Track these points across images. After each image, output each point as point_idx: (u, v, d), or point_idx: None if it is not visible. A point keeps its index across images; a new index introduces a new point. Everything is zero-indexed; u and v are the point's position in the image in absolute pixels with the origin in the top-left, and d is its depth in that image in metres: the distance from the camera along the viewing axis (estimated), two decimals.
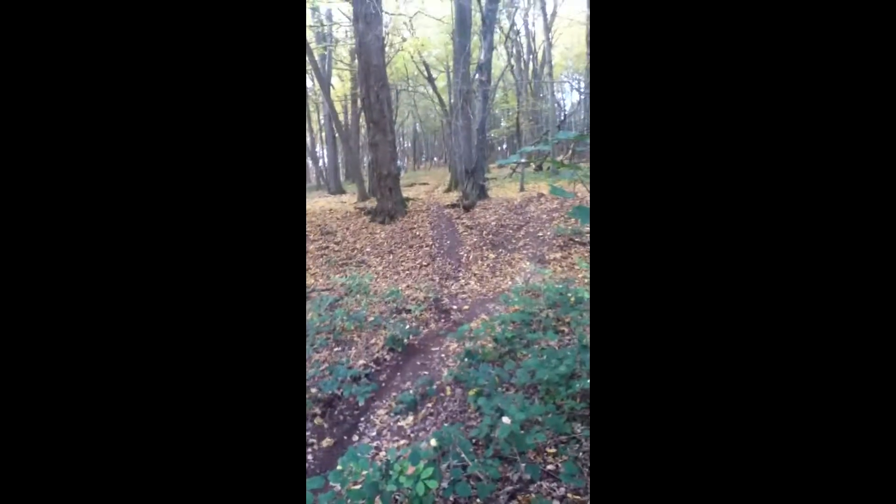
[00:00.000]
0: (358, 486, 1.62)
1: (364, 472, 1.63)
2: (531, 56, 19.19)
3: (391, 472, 1.57)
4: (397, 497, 1.72)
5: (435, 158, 32.37)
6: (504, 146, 26.24)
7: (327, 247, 7.30)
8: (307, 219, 8.85)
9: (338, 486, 1.68)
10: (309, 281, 5.88)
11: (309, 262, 6.71)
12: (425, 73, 15.51)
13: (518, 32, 17.72)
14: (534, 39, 19.22)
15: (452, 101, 11.83)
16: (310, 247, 7.31)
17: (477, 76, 9.02)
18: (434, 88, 15.70)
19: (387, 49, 11.09)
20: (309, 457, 2.48)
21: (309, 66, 11.66)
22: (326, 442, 2.60)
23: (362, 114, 11.60)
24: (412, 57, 14.84)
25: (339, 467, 1.67)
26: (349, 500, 1.53)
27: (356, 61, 10.48)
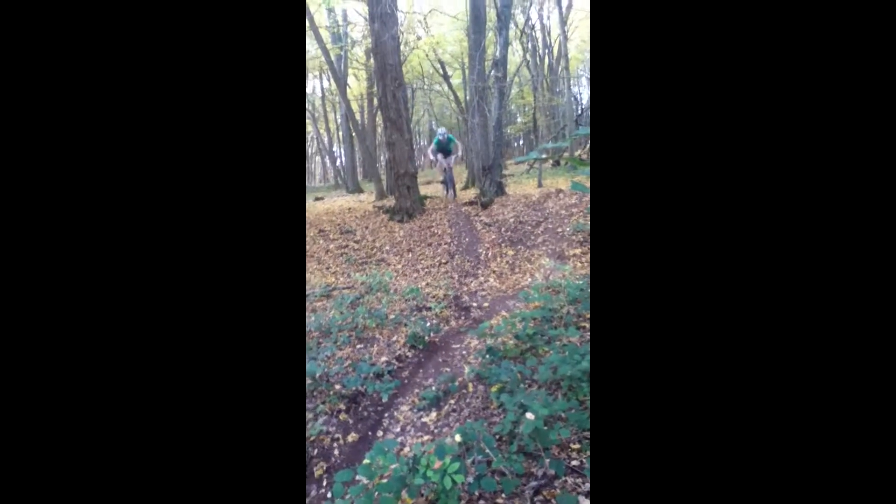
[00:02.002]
0: (385, 480, 1.66)
1: (391, 467, 1.67)
2: (547, 50, 19.02)
3: (418, 467, 1.60)
4: (423, 491, 1.75)
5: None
6: (521, 142, 26.08)
7: (347, 245, 7.37)
8: (327, 218, 8.95)
9: (365, 480, 1.72)
10: (329, 279, 5.96)
11: (329, 261, 6.79)
12: (440, 71, 15.51)
13: (533, 27, 17.58)
14: (549, 33, 19.04)
15: (468, 98, 11.80)
16: (329, 245, 7.40)
17: (492, 72, 8.98)
18: (450, 86, 15.70)
19: (402, 48, 11.13)
20: (335, 451, 2.53)
21: (325, 67, 11.72)
22: (351, 437, 2.64)
23: (378, 113, 11.66)
24: (427, 55, 14.85)
25: (366, 461, 1.71)
26: (377, 493, 1.56)
27: (372, 61, 10.54)
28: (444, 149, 8.72)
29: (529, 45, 17.73)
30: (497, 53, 8.85)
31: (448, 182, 9.09)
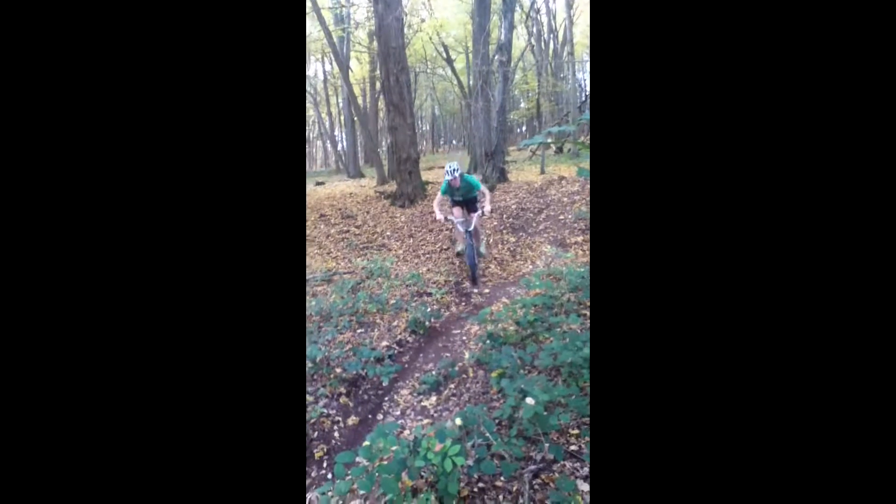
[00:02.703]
0: (386, 462, 1.67)
1: (392, 449, 1.68)
2: (552, 35, 18.76)
3: (419, 449, 1.61)
4: (423, 473, 1.77)
5: (454, 141, 32.16)
6: (523, 128, 25.91)
7: (348, 230, 7.37)
8: (328, 202, 8.93)
9: (366, 462, 1.74)
10: (331, 264, 5.97)
11: (330, 246, 6.79)
12: (444, 55, 15.33)
13: (538, 11, 17.31)
14: (555, 17, 18.77)
15: (471, 82, 11.68)
16: (331, 230, 7.40)
17: (497, 57, 8.89)
18: (453, 70, 15.53)
19: (405, 30, 10.99)
20: (336, 434, 2.55)
21: (328, 49, 11.58)
22: (352, 420, 2.67)
23: (381, 97, 11.55)
24: (431, 38, 14.66)
25: (366, 443, 1.72)
26: (378, 475, 1.58)
27: (375, 43, 10.42)
28: (462, 197, 5.00)
29: (534, 29, 17.49)
30: (502, 37, 8.75)
31: (471, 258, 4.83)
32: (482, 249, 5.51)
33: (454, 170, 4.73)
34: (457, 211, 5.10)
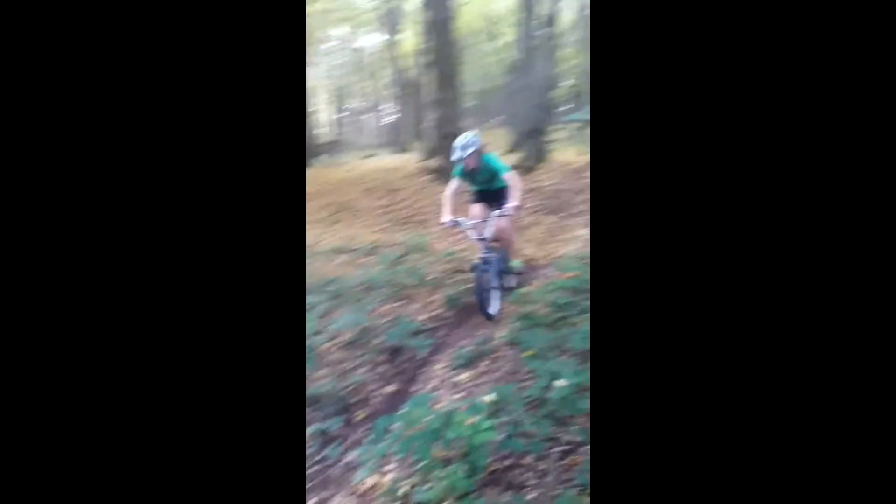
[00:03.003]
0: (420, 430, 1.79)
1: (426, 419, 1.80)
2: None
3: (452, 422, 1.72)
4: (454, 445, 1.88)
5: (496, 118, 31.56)
6: (567, 106, 25.14)
7: (390, 205, 7.51)
8: (373, 176, 9.07)
9: (402, 428, 1.86)
10: (373, 237, 6.13)
11: (373, 220, 6.96)
12: (490, 29, 14.97)
13: None
14: None
15: (516, 58, 11.40)
16: (374, 203, 7.56)
17: (544, 30, 8.64)
18: (498, 45, 15.17)
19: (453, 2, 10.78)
20: (375, 400, 2.71)
21: (377, 21, 11.49)
22: (389, 388, 2.82)
23: (428, 70, 11.45)
24: (478, 11, 14.33)
25: (404, 411, 1.85)
26: (413, 442, 1.70)
27: (424, 15, 10.30)
28: (485, 186, 3.59)
29: (583, 2, 16.74)
30: (549, 10, 8.47)
31: (480, 285, 3.21)
32: (516, 262, 3.87)
33: (464, 146, 3.14)
34: (476, 209, 3.57)
